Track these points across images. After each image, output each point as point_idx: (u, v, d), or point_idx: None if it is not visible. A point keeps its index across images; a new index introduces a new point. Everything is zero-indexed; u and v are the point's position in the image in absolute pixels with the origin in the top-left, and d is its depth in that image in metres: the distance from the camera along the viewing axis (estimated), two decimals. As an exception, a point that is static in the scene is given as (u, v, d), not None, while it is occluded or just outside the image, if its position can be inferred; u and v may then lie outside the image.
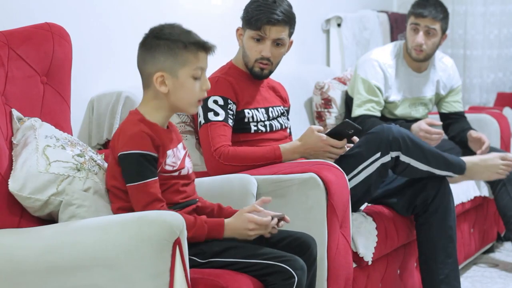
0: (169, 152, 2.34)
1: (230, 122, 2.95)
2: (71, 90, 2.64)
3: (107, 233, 2.01)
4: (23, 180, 2.26)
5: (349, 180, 2.95)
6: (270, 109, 3.09)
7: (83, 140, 3.10)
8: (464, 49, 5.77)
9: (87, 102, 3.16)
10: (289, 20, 3.01)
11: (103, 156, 2.53)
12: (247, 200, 2.61)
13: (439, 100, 4.15)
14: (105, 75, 3.28)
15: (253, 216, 2.31)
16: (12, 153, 2.34)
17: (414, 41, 3.91)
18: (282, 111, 3.16)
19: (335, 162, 2.91)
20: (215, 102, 2.95)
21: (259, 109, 3.05)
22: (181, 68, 2.31)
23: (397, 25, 5.37)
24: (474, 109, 4.80)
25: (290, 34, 3.04)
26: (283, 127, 3.13)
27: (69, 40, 2.61)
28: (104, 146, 3.14)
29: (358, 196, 3.03)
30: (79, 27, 3.07)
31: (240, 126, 3.01)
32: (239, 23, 3.07)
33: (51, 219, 2.34)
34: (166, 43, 2.30)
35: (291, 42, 3.08)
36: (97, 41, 3.24)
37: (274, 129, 3.08)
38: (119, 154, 2.27)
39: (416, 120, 3.96)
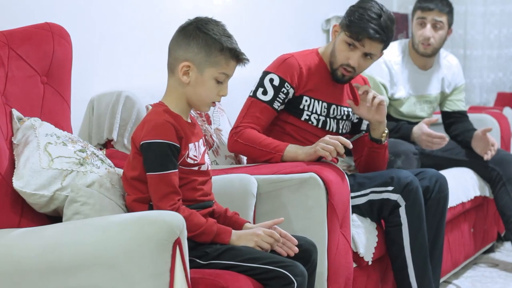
0: (191, 145, 2.34)
1: (276, 105, 2.94)
2: (71, 90, 2.64)
3: (107, 233, 2.01)
4: (27, 177, 2.27)
5: (356, 197, 2.97)
6: (333, 106, 3.04)
7: (83, 140, 3.10)
8: (464, 49, 5.76)
9: (87, 102, 3.16)
10: (387, 39, 3.00)
11: (104, 152, 2.53)
12: (247, 200, 2.61)
13: (443, 98, 4.15)
14: (105, 75, 3.28)
15: (264, 229, 2.33)
16: (14, 153, 2.34)
17: (421, 35, 3.92)
18: (347, 113, 3.09)
19: (352, 176, 2.94)
20: (271, 80, 2.94)
21: (320, 101, 3.00)
22: (209, 67, 2.32)
23: (397, 25, 5.36)
24: (474, 109, 4.79)
25: (383, 49, 3.03)
26: (340, 132, 3.06)
27: (69, 40, 2.61)
28: (105, 146, 3.14)
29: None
30: (79, 27, 3.07)
31: (294, 109, 2.99)
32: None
33: (57, 215, 2.34)
34: (205, 38, 2.31)
35: (380, 55, 3.06)
36: (97, 41, 3.24)
37: (327, 128, 3.03)
38: (142, 142, 2.27)
39: (421, 119, 3.93)
